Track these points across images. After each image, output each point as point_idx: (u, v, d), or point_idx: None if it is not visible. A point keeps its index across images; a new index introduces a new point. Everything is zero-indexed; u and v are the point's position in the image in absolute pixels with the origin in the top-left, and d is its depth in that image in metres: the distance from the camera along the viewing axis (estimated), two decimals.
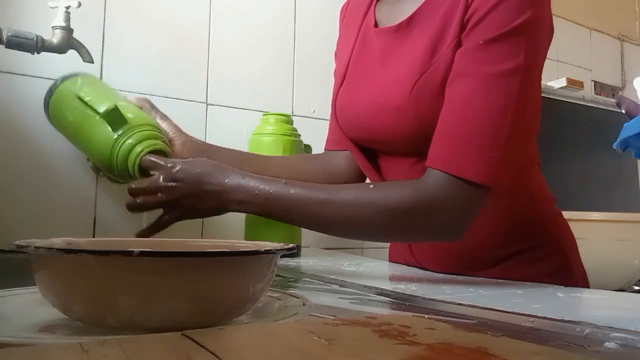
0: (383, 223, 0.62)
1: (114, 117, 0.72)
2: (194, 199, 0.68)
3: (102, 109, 0.72)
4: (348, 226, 0.64)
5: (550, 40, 0.67)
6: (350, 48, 0.81)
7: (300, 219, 0.67)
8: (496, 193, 0.64)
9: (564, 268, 0.77)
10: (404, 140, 0.70)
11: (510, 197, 0.73)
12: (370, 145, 0.78)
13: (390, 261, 0.95)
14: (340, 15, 0.91)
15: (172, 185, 0.68)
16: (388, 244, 0.96)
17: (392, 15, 0.75)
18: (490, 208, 0.65)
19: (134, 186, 0.70)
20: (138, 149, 0.72)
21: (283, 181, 0.66)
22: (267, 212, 0.66)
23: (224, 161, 0.74)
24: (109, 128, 0.72)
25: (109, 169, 0.75)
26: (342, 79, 0.80)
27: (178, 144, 0.80)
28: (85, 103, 0.74)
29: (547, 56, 0.67)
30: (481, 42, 0.61)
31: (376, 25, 0.77)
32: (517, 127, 0.61)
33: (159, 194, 0.68)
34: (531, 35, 0.61)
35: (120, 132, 0.72)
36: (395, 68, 0.71)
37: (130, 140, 0.72)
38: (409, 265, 0.86)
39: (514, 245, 0.75)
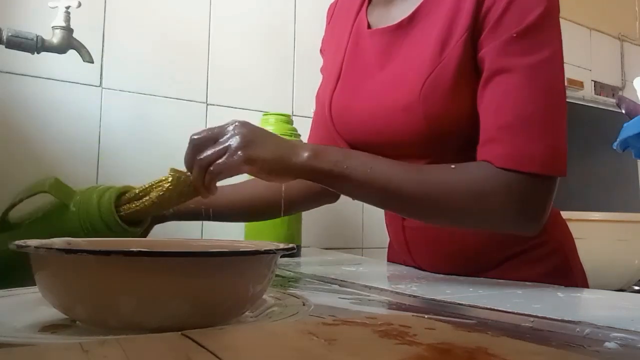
0: (458, 203, 0.60)
1: (59, 187, 0.62)
2: (255, 135, 0.60)
3: (45, 186, 0.62)
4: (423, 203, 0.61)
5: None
6: (342, 50, 0.79)
7: (370, 190, 0.62)
8: None
9: (564, 268, 0.77)
10: (413, 141, 0.68)
11: None
12: (375, 149, 0.77)
13: (389, 261, 0.95)
14: (328, 14, 0.90)
15: (230, 128, 0.60)
16: (387, 245, 0.96)
17: (384, 18, 0.75)
18: None
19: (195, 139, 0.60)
20: (105, 196, 0.62)
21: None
22: (339, 173, 0.61)
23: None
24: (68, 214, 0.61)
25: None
26: (335, 82, 0.79)
27: None
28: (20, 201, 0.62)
29: None
30: (514, 35, 0.60)
31: (369, 27, 0.77)
32: (565, 112, 0.61)
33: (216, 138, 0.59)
34: (556, 18, 0.62)
35: (72, 203, 0.62)
36: (398, 68, 0.70)
37: (92, 199, 0.62)
38: (408, 266, 0.86)
39: (513, 245, 0.75)
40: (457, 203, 0.61)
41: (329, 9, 0.90)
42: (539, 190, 0.60)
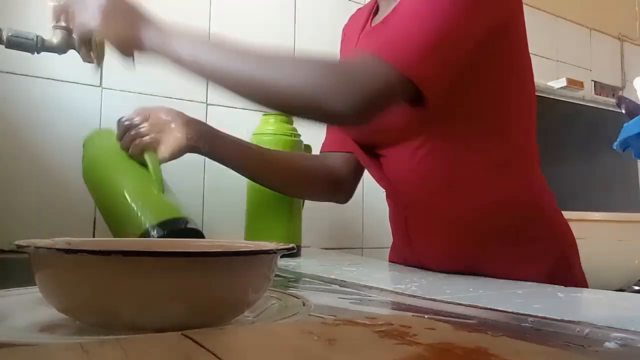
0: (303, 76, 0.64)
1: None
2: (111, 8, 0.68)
3: None
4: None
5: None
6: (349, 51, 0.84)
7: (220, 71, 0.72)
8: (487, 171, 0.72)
9: (564, 268, 0.77)
10: (404, 126, 0.72)
11: (508, 188, 0.75)
12: (371, 140, 0.81)
13: (390, 261, 0.95)
14: (342, 33, 0.95)
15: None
16: (389, 245, 0.96)
17: (380, 19, 0.80)
18: (489, 192, 0.72)
19: None
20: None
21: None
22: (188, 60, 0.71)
23: (225, 150, 0.82)
24: None
25: None
26: None
27: (180, 124, 0.83)
28: None
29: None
30: None
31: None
32: (451, 42, 0.63)
33: None
34: None
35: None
36: None
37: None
38: (409, 266, 0.86)
39: (513, 237, 0.75)
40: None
41: (343, 29, 0.94)
42: (372, 69, 0.62)
